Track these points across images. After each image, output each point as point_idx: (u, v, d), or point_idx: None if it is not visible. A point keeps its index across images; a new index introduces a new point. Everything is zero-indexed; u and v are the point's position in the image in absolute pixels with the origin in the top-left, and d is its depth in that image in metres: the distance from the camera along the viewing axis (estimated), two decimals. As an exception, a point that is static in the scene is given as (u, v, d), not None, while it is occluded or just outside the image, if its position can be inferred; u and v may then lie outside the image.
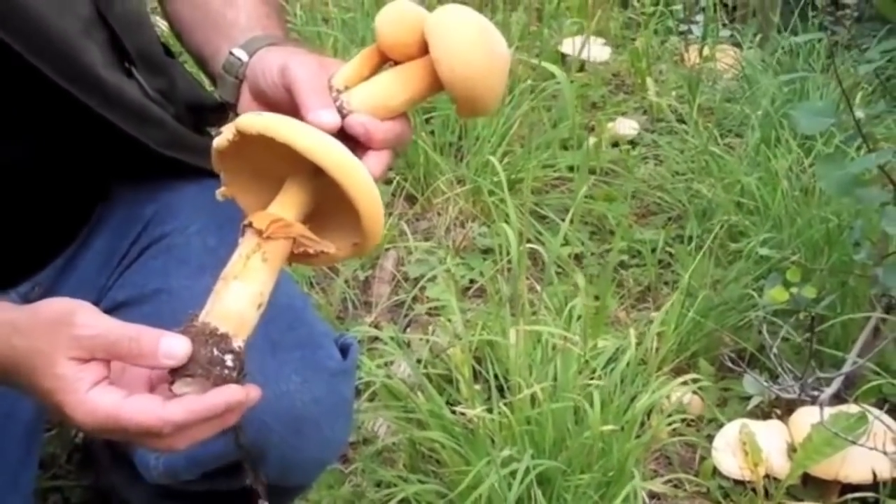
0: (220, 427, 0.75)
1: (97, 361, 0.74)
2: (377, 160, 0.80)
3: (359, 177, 0.74)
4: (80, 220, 1.10)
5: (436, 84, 0.80)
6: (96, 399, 0.73)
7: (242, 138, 0.74)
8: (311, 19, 2.64)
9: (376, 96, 0.80)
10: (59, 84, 0.93)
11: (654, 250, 2.07)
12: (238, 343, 0.74)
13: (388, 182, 2.19)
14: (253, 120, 0.74)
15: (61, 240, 1.09)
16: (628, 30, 3.20)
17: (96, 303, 1.04)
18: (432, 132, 2.29)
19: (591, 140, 2.42)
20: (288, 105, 0.81)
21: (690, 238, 2.09)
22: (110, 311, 1.00)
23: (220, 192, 0.80)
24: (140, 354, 0.73)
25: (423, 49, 0.79)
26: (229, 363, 0.73)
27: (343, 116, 0.79)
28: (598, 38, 2.98)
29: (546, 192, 2.31)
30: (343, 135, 0.78)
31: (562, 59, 2.83)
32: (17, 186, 0.99)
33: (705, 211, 2.17)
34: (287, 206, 0.76)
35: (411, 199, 2.24)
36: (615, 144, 2.52)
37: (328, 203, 0.77)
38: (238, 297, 0.74)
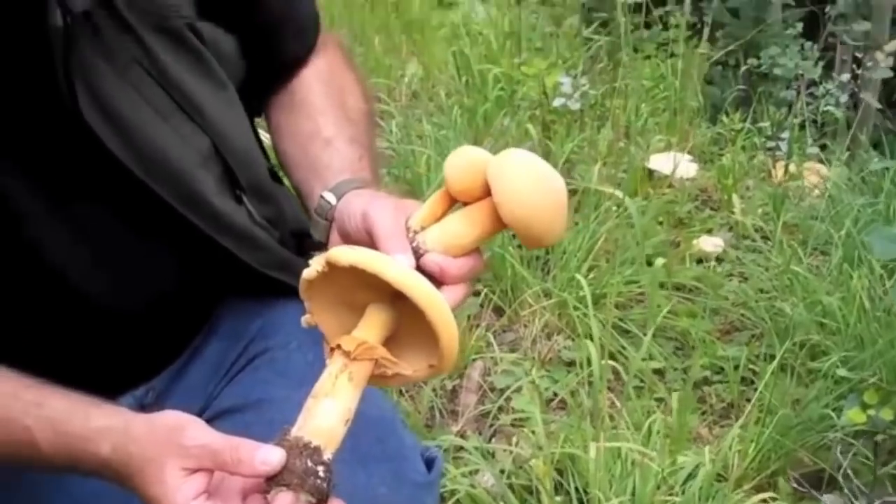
0: None
1: (201, 473, 0.83)
2: (452, 293, 0.88)
3: (440, 306, 0.83)
4: (193, 330, 1.20)
5: (501, 223, 0.88)
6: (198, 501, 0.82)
7: (331, 269, 0.84)
8: (405, 137, 2.79)
9: (448, 236, 0.89)
10: (176, 208, 1.06)
11: (736, 367, 2.10)
12: (328, 455, 0.82)
13: (476, 294, 2.28)
14: (344, 253, 0.84)
15: (176, 348, 1.18)
16: (716, 146, 3.28)
17: (203, 409, 1.15)
18: (520, 246, 2.39)
19: (675, 257, 2.48)
20: (369, 246, 0.89)
21: (772, 356, 2.12)
22: (215, 417, 1.10)
23: (305, 320, 0.89)
24: (240, 462, 0.82)
25: (488, 190, 0.88)
26: (321, 474, 0.81)
27: (419, 256, 0.88)
28: (686, 154, 3.06)
29: (630, 307, 2.37)
30: (421, 269, 0.88)
31: (649, 175, 2.92)
32: (139, 299, 1.11)
33: (787, 329, 2.20)
34: (370, 330, 0.85)
35: (499, 311, 2.32)
36: (700, 261, 2.58)
37: (405, 328, 0.86)
38: (328, 413, 0.83)
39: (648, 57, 3.97)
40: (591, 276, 2.33)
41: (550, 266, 2.39)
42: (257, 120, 1.24)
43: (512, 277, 2.33)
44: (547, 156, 2.69)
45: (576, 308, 2.18)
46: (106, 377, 1.08)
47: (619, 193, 2.43)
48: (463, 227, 0.90)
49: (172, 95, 1.04)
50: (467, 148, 0.91)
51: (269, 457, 0.81)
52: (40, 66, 0.97)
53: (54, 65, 0.96)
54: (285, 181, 1.23)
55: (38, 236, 1.03)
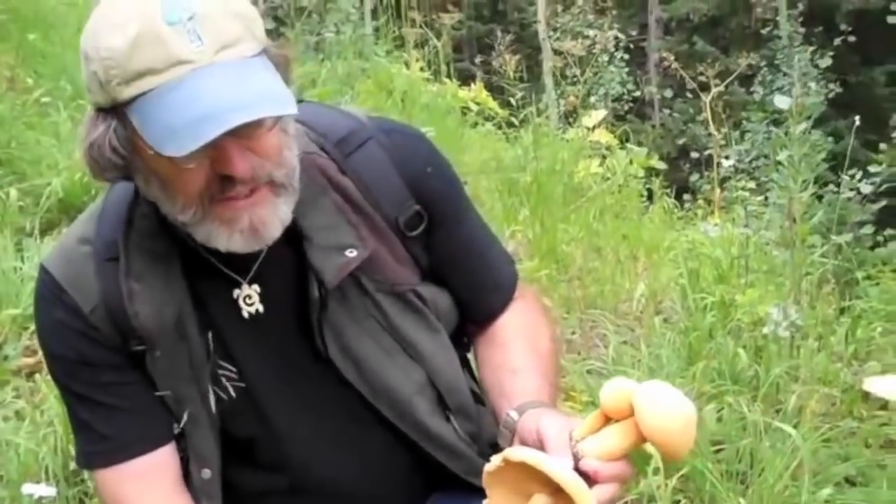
0: None
1: None
2: (602, 491, 1.17)
3: (590, 501, 1.13)
4: None
5: (643, 438, 1.17)
6: None
7: (507, 464, 1.16)
8: (618, 357, 3.07)
9: (601, 446, 1.19)
10: (398, 427, 1.42)
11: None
12: None
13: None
14: (518, 452, 1.16)
15: None
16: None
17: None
18: (720, 461, 2.59)
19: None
20: (541, 451, 1.20)
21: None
22: None
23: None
24: None
25: (633, 411, 1.17)
26: None
27: (578, 460, 1.17)
28: (903, 380, 3.14)
29: (825, 526, 2.48)
30: (578, 471, 1.18)
31: (864, 396, 3.03)
32: (369, 489, 1.46)
33: None
34: (536, 513, 1.16)
35: (698, 524, 2.51)
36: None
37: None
38: None
39: (878, 281, 4.09)
40: (787, 492, 2.47)
41: (749, 481, 2.55)
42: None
43: (711, 490, 2.52)
44: (754, 378, 2.89)
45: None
46: None
47: (788, 429, 2.56)
48: (613, 439, 1.20)
49: (397, 340, 1.43)
50: (617, 378, 1.22)
51: None
52: (304, 321, 1.38)
53: (311, 321, 1.37)
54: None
55: (288, 443, 1.42)
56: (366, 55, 6.30)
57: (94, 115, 1.23)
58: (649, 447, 1.20)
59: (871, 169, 3.32)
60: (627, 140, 6.34)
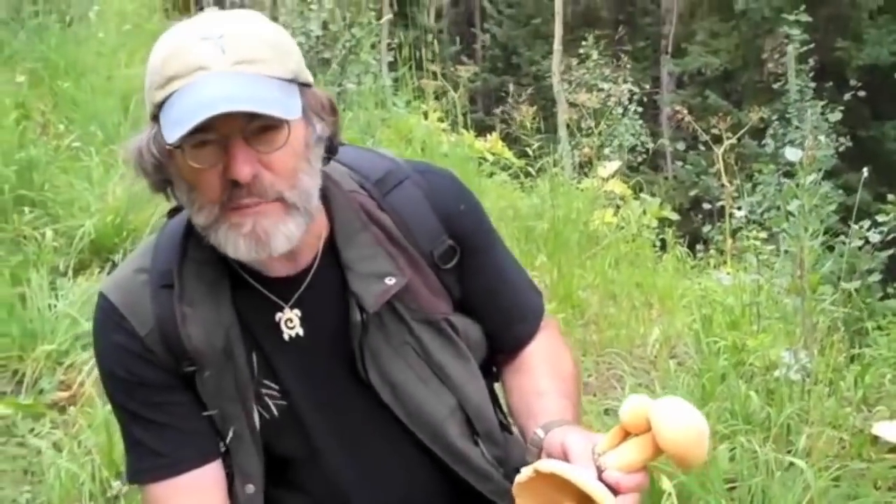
0: None
1: None
2: (624, 500, 1.26)
3: (613, 506, 1.23)
4: None
5: (659, 450, 1.26)
6: None
7: (537, 475, 1.26)
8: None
9: (622, 459, 1.28)
10: (431, 448, 1.52)
11: None
12: None
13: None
14: (548, 464, 1.26)
15: None
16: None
17: None
18: (733, 499, 2.66)
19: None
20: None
21: None
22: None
23: None
24: None
25: (650, 426, 1.26)
26: None
27: (601, 472, 1.27)
28: (913, 424, 3.21)
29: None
30: (601, 481, 1.27)
31: (873, 441, 3.10)
32: None
33: None
34: (564, 521, 1.26)
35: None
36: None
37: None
38: None
39: (888, 332, 4.17)
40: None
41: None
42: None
43: (723, 525, 2.59)
44: (766, 420, 2.97)
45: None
46: None
47: (800, 462, 2.63)
48: (633, 452, 1.29)
49: (430, 366, 1.53)
50: (634, 396, 1.32)
51: None
52: (345, 343, 1.48)
53: (352, 345, 1.48)
54: (514, 431, 1.65)
55: (328, 461, 1.51)
56: (386, 106, 6.47)
57: (144, 127, 1.36)
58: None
59: (880, 218, 3.42)
60: (641, 191, 6.46)
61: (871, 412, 3.31)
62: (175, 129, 1.26)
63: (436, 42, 7.68)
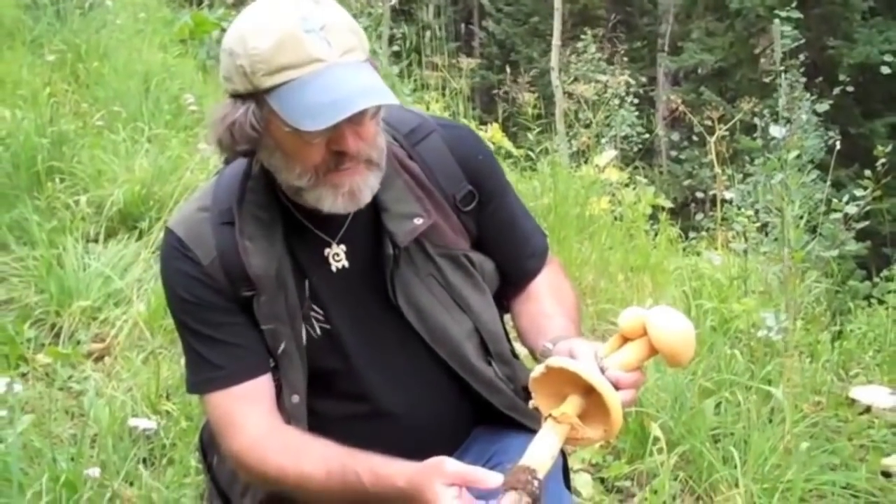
0: None
1: (455, 486, 1.45)
2: (623, 395, 1.48)
3: (614, 397, 1.44)
4: (455, 446, 1.82)
5: (654, 350, 1.50)
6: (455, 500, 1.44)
7: (549, 371, 1.49)
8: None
9: (622, 360, 1.51)
10: (450, 365, 1.75)
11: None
12: (540, 475, 1.40)
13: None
14: (559, 360, 1.48)
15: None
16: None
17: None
18: (716, 443, 2.90)
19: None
20: None
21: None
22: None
23: (532, 404, 1.53)
24: (477, 480, 1.44)
25: (645, 331, 1.50)
26: (536, 484, 1.39)
27: (603, 372, 1.48)
28: (888, 386, 3.45)
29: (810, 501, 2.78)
30: None
31: (849, 404, 3.33)
32: (424, 418, 1.76)
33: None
34: (570, 408, 1.47)
35: (697, 497, 2.82)
36: (886, 474, 2.93)
37: (590, 410, 1.48)
38: (541, 452, 1.44)
39: (864, 306, 4.43)
40: (777, 472, 2.77)
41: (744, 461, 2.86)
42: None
43: (708, 470, 2.83)
44: (750, 378, 3.21)
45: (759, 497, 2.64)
46: None
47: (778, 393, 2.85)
48: (631, 354, 1.52)
49: (451, 294, 1.76)
50: (631, 308, 1.56)
51: (495, 478, 1.43)
52: (379, 274, 1.71)
53: (384, 275, 1.70)
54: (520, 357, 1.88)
55: (363, 375, 1.74)
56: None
57: (232, 101, 1.58)
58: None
59: (857, 193, 3.67)
60: (635, 181, 6.68)
61: (849, 381, 3.56)
62: (316, 119, 1.48)
63: (435, 37, 7.89)
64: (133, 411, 2.72)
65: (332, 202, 1.61)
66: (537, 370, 1.50)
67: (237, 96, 1.57)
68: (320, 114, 1.48)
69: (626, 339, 1.55)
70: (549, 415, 1.47)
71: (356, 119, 1.54)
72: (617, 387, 1.48)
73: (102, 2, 6.66)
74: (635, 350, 1.53)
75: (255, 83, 1.53)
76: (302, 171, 1.59)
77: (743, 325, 3.48)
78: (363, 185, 1.61)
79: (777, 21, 4.33)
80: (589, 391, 1.47)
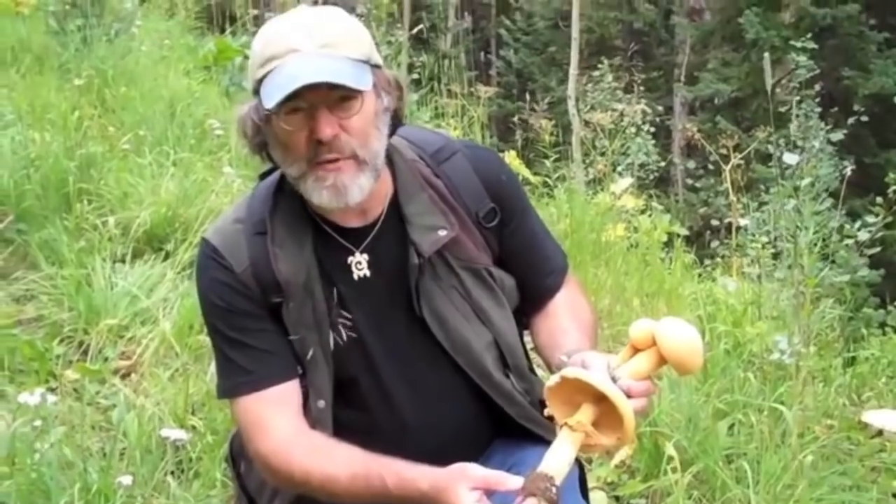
0: None
1: (477, 490, 1.53)
2: (636, 402, 1.55)
3: (627, 405, 1.51)
4: (476, 456, 1.85)
5: (664, 361, 1.56)
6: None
7: (563, 381, 1.56)
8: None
9: (632, 370, 1.58)
10: (470, 375, 1.81)
11: None
12: (557, 482, 1.48)
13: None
14: (573, 371, 1.56)
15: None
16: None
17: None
18: (730, 461, 2.95)
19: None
20: None
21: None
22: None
23: (546, 412, 1.61)
24: (499, 483, 1.53)
25: (655, 342, 1.57)
26: (553, 490, 1.47)
27: (615, 381, 1.56)
28: (899, 411, 3.49)
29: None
30: None
31: (862, 427, 3.37)
32: (446, 429, 1.83)
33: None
34: (584, 416, 1.55)
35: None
36: None
37: (603, 419, 1.55)
38: (558, 459, 1.52)
39: (878, 334, 4.47)
40: (789, 492, 2.82)
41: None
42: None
43: (721, 489, 2.88)
44: (763, 400, 3.26)
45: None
46: None
47: (785, 411, 2.88)
48: (641, 364, 1.59)
49: (472, 307, 1.83)
50: (641, 319, 1.62)
51: (516, 481, 1.50)
52: (403, 284, 1.78)
53: (409, 285, 1.78)
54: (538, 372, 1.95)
55: (387, 384, 1.80)
56: (410, 121, 6.75)
57: (249, 100, 1.72)
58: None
59: (869, 219, 3.72)
60: (651, 208, 6.74)
61: (862, 406, 3.60)
62: (272, 98, 1.60)
63: (454, 65, 8.00)
64: (161, 424, 2.79)
65: (319, 195, 1.70)
66: (552, 380, 1.58)
67: (253, 93, 1.70)
68: (278, 93, 1.60)
69: (636, 350, 1.61)
70: (565, 423, 1.54)
71: (333, 106, 1.64)
72: (629, 395, 1.55)
73: (128, 29, 6.81)
74: (645, 360, 1.59)
75: (253, 77, 1.67)
76: (293, 162, 1.69)
77: (756, 349, 3.53)
78: (349, 182, 1.68)
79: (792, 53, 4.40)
80: (602, 400, 1.53)
